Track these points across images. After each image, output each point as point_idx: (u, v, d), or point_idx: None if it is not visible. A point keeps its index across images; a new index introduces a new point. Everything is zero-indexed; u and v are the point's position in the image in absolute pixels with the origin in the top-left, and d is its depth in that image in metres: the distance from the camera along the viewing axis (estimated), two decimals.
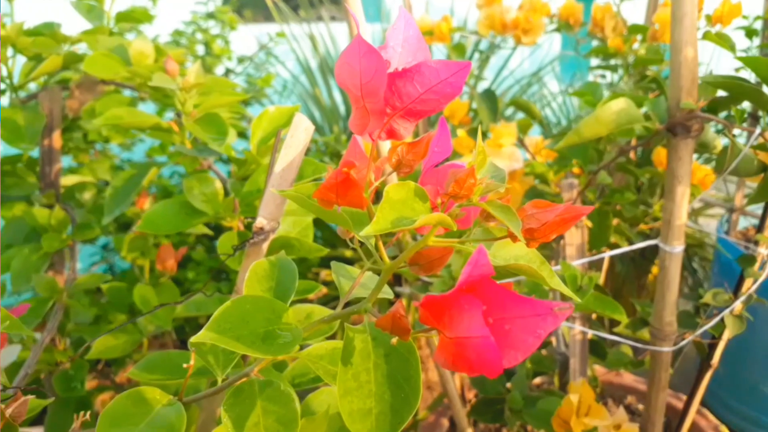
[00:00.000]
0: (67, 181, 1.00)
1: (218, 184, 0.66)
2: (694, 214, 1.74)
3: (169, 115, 1.39)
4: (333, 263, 0.47)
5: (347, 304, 0.44)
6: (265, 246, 0.53)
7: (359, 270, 0.47)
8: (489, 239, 0.39)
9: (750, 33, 1.24)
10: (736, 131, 0.78)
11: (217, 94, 0.72)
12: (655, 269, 1.60)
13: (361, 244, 0.45)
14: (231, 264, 0.60)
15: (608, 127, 0.75)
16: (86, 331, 0.94)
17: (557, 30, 1.26)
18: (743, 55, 0.83)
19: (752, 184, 1.52)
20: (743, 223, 1.53)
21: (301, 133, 0.46)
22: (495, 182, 0.38)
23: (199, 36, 1.50)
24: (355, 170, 0.34)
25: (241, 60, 1.61)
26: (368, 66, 0.35)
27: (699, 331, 0.87)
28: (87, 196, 0.98)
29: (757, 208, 1.39)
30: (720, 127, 0.85)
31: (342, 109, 2.02)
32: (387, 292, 0.47)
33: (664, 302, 0.85)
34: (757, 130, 0.74)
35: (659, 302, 0.86)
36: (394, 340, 0.35)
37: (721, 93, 0.81)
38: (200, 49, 1.50)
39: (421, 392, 0.35)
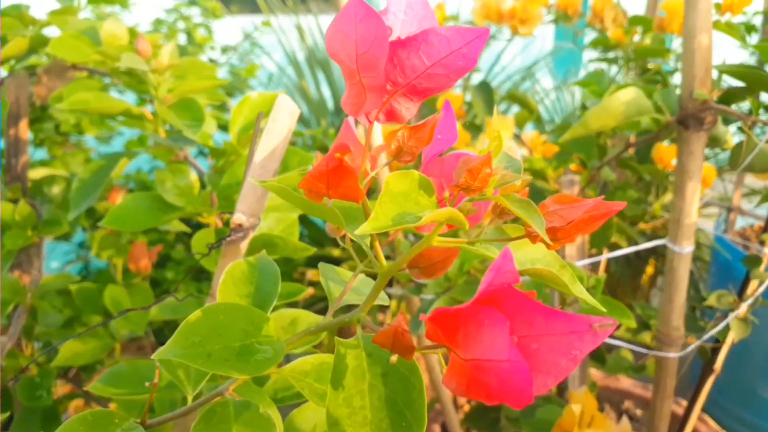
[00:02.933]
0: (36, 174, 0.93)
1: (194, 177, 0.60)
2: None
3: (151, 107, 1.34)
4: (321, 264, 0.41)
5: (338, 311, 0.39)
6: (244, 245, 0.48)
7: (350, 273, 0.41)
8: (503, 239, 0.34)
9: (749, 29, 1.20)
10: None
11: (194, 78, 0.66)
12: (649, 269, 1.56)
13: (353, 243, 0.39)
14: (206, 264, 0.54)
15: (617, 118, 0.70)
16: (57, 335, 0.88)
17: (555, 21, 1.21)
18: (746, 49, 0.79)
19: (751, 183, 1.49)
20: (740, 222, 1.50)
21: (284, 117, 0.40)
22: (511, 173, 0.33)
23: (181, 25, 1.43)
24: (349, 156, 0.29)
25: (224, 50, 1.55)
26: (366, 33, 0.29)
27: (706, 336, 0.83)
28: (56, 190, 0.91)
29: (759, 209, 1.35)
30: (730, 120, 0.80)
31: (330, 103, 1.96)
32: (382, 298, 0.42)
33: (671, 306, 0.80)
34: None
35: (666, 306, 0.81)
36: (394, 357, 0.30)
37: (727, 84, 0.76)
38: (182, 38, 1.43)
39: (426, 420, 0.30)
